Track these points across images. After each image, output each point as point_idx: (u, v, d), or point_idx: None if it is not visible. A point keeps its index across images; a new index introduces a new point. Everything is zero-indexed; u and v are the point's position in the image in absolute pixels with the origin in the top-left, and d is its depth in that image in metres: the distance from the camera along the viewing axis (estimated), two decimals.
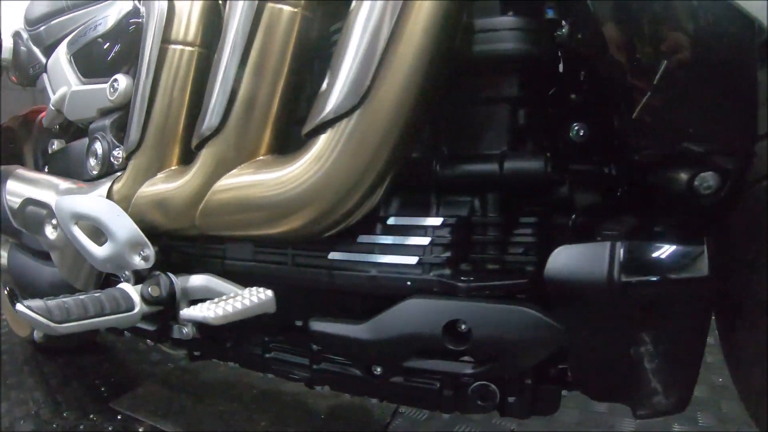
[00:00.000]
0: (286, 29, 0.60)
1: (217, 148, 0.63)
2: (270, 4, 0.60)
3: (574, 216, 0.51)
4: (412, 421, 1.00)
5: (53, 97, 1.00)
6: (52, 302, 0.60)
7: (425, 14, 0.47)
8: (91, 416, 1.09)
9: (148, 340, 1.01)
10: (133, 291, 0.69)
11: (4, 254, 1.08)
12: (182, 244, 0.75)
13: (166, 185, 0.70)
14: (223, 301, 0.60)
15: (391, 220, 0.54)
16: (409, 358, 0.51)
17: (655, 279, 0.43)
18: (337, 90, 0.50)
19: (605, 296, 0.44)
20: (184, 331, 0.73)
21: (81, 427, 1.04)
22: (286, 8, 0.60)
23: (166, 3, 0.74)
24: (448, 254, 0.50)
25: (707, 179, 0.42)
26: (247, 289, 0.62)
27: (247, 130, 0.61)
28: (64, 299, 0.62)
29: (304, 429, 1.02)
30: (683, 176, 0.43)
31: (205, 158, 0.65)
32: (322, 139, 0.52)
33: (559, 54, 0.53)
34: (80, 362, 1.37)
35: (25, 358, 1.42)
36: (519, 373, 0.52)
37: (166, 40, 0.72)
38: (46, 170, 1.07)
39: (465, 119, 0.54)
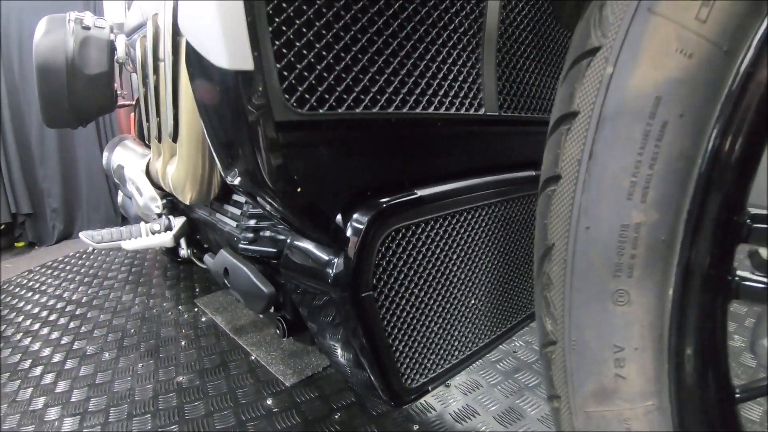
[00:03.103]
0: None
1: (163, 145, 1.02)
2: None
3: None
4: None
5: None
6: (95, 231, 1.12)
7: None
8: (180, 307, 1.72)
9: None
10: (143, 227, 1.17)
11: (121, 194, 1.74)
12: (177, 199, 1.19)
13: (158, 164, 1.14)
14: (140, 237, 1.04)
15: (235, 197, 0.87)
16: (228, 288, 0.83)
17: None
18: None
19: None
20: (181, 252, 1.20)
21: (169, 313, 1.67)
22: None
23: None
24: (250, 223, 0.80)
25: None
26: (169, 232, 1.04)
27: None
28: (104, 230, 1.13)
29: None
30: None
31: (162, 149, 1.05)
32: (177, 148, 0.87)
33: None
34: (193, 269, 2.06)
35: (158, 264, 2.18)
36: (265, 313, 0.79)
37: None
38: None
39: None
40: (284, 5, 0.45)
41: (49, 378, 1.38)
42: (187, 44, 0.48)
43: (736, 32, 0.43)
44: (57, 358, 1.49)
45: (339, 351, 0.60)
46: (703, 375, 0.52)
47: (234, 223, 0.84)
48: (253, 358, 1.35)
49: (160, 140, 0.99)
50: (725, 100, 0.44)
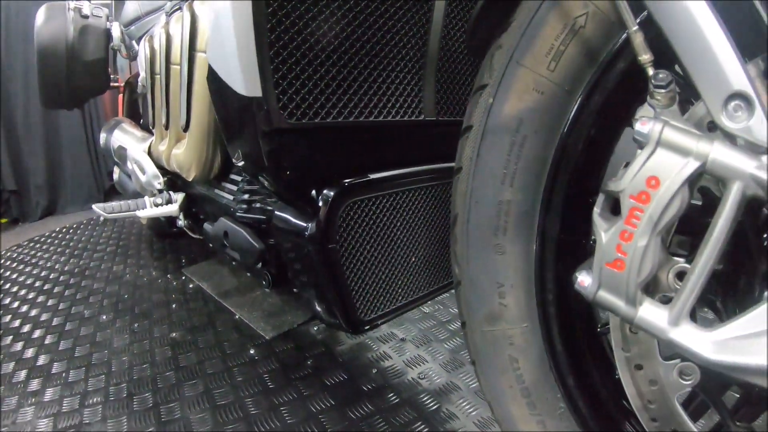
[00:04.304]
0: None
1: (170, 131, 1.25)
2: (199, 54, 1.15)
3: None
4: None
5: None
6: (107, 203, 1.34)
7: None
8: (168, 275, 1.95)
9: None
10: (147, 200, 1.40)
11: (117, 171, 1.95)
12: (176, 177, 1.43)
13: (161, 147, 1.36)
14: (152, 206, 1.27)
15: (232, 175, 1.11)
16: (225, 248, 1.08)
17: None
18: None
19: None
20: (179, 223, 1.44)
21: (159, 281, 1.90)
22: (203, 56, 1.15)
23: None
24: (244, 196, 1.04)
25: None
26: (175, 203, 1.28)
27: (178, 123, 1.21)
28: (114, 202, 1.35)
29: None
30: None
31: (169, 135, 1.28)
32: (187, 136, 1.11)
33: None
34: (178, 242, 2.28)
35: (144, 238, 2.40)
36: (257, 266, 1.04)
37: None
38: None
39: None
40: (281, 50, 0.69)
41: (50, 338, 1.57)
42: (212, 70, 0.72)
43: (574, 78, 0.68)
44: (56, 321, 1.69)
45: (311, 290, 0.85)
46: (561, 307, 0.78)
47: (231, 197, 1.08)
48: (237, 317, 1.60)
49: (167, 127, 1.22)
50: (567, 122, 0.70)
